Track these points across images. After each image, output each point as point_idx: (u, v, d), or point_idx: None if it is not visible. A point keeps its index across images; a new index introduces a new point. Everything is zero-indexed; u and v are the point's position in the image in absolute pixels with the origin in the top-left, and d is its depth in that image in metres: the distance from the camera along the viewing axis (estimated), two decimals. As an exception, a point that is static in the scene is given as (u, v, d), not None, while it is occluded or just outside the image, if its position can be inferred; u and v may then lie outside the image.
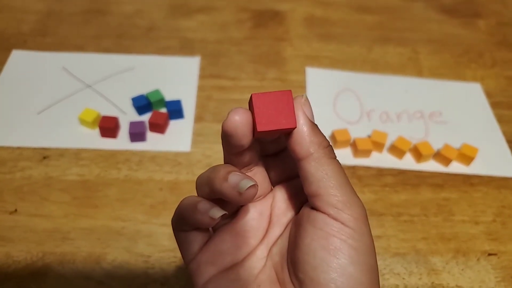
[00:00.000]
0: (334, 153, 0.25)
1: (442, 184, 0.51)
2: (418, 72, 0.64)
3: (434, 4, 0.76)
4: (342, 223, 0.24)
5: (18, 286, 0.40)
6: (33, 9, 0.68)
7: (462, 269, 0.44)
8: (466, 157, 0.51)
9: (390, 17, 0.73)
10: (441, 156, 0.51)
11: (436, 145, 0.53)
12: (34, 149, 0.51)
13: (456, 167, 0.52)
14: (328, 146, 0.25)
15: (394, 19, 0.72)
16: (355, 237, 0.24)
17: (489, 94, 0.61)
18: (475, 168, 0.52)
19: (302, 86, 0.60)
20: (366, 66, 0.64)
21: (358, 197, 0.25)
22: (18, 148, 0.51)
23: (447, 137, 0.55)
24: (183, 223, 0.27)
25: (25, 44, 0.63)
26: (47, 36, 0.64)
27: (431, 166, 0.52)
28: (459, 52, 0.68)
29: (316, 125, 0.25)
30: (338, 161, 0.25)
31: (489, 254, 0.45)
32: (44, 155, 0.50)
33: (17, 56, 0.61)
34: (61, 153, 0.51)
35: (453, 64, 0.65)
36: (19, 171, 0.49)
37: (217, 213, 0.25)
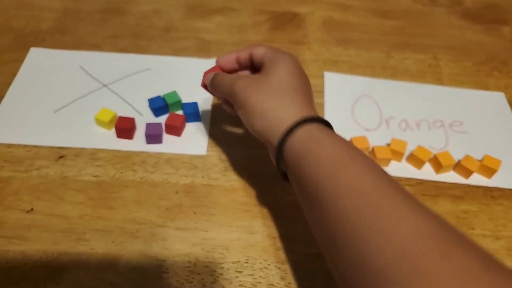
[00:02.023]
0: None
1: (462, 196, 0.50)
2: (439, 79, 0.63)
3: (456, 9, 0.74)
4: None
5: (35, 285, 0.40)
6: (51, 7, 0.68)
7: (481, 284, 0.43)
8: (488, 169, 0.50)
9: (410, 22, 0.72)
10: (461, 167, 0.50)
11: (457, 155, 0.52)
12: (51, 148, 0.51)
13: (477, 179, 0.51)
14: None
15: (414, 24, 0.71)
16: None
17: (512, 104, 0.60)
18: (497, 181, 0.51)
19: (320, 91, 0.59)
20: (385, 72, 0.63)
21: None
22: (35, 146, 0.51)
23: (468, 147, 0.54)
24: None
25: (43, 42, 0.63)
26: (65, 34, 0.64)
27: (451, 177, 0.51)
28: (482, 59, 0.66)
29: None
30: None
31: None
32: (60, 154, 0.50)
33: (35, 54, 0.61)
34: (77, 153, 0.50)
35: (475, 72, 0.64)
36: (36, 169, 0.49)
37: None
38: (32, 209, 0.46)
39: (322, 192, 0.32)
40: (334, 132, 0.37)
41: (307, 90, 0.40)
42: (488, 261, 0.26)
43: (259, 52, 0.43)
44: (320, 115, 0.56)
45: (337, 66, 0.63)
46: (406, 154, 0.52)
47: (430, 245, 0.26)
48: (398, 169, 0.51)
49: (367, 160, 0.33)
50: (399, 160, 0.51)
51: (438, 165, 0.50)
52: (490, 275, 0.24)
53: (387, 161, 0.50)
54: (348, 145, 0.35)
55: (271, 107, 0.38)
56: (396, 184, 0.31)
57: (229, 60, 0.45)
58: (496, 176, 0.51)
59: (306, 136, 0.35)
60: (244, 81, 0.40)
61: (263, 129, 0.38)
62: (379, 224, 0.28)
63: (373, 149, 0.51)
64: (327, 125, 0.37)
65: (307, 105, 0.38)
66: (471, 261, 0.25)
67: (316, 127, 0.36)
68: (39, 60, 0.60)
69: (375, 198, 0.29)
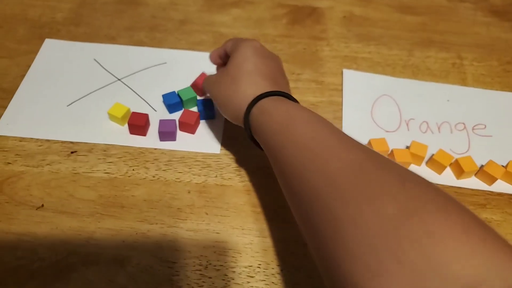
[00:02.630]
0: None
1: (485, 203, 0.48)
2: (462, 80, 0.60)
3: (482, 6, 0.71)
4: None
5: (43, 285, 0.40)
6: (67, -2, 0.67)
7: (502, 298, 0.41)
8: (513, 176, 0.48)
9: (433, 18, 0.69)
10: (484, 174, 0.48)
11: (480, 160, 0.50)
12: (63, 142, 0.50)
13: (501, 186, 0.49)
14: None
15: (438, 21, 0.69)
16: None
17: (538, 107, 0.57)
18: (522, 189, 0.49)
19: (339, 90, 0.58)
20: (407, 71, 0.61)
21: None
22: (47, 141, 0.50)
23: (492, 152, 0.51)
24: None
25: (58, 33, 0.62)
26: (80, 26, 0.63)
27: (473, 183, 0.49)
28: (508, 59, 0.63)
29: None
30: None
31: (533, 283, 0.43)
32: (72, 149, 0.50)
33: (49, 45, 0.60)
34: (89, 148, 0.50)
35: (501, 72, 0.62)
36: (47, 164, 0.48)
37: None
38: (42, 205, 0.45)
39: (274, 152, 0.37)
40: (285, 98, 0.39)
41: (267, 70, 0.42)
42: (404, 176, 0.29)
43: (228, 46, 0.47)
44: (338, 114, 0.55)
45: (356, 63, 0.61)
46: (427, 158, 0.50)
47: (355, 173, 0.29)
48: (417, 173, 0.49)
49: (311, 116, 0.36)
50: (419, 164, 0.50)
51: (459, 170, 0.48)
52: (405, 187, 0.27)
53: (407, 164, 0.49)
54: (293, 107, 0.38)
55: (230, 95, 0.42)
56: (334, 130, 0.35)
57: (214, 57, 0.50)
58: (521, 184, 0.49)
59: (258, 112, 0.39)
60: (209, 78, 0.46)
61: (232, 117, 0.42)
62: (314, 165, 0.32)
63: (392, 151, 0.49)
64: (282, 94, 0.40)
65: (263, 83, 0.41)
66: (387, 177, 0.28)
67: (266, 101, 0.39)
68: (53, 52, 0.59)
69: (313, 145, 0.33)
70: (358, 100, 0.56)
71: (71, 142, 0.50)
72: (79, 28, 0.63)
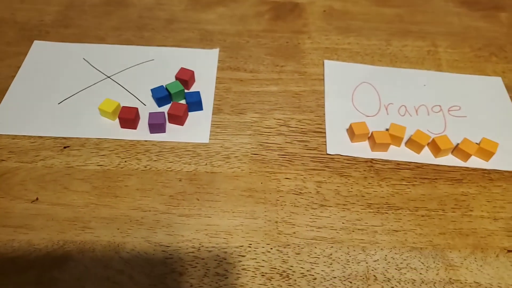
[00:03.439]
0: None
1: (461, 179, 0.50)
2: (438, 65, 0.63)
3: (455, -3, 0.75)
4: None
5: (40, 273, 0.41)
6: (55, 1, 0.69)
7: (481, 266, 0.44)
8: (486, 152, 0.51)
9: (409, 10, 0.72)
10: (460, 151, 0.51)
11: (455, 139, 0.53)
12: (55, 138, 0.52)
13: (475, 162, 0.51)
14: None
15: (414, 12, 0.72)
16: None
17: (510, 88, 0.60)
18: (494, 163, 0.51)
19: (321, 79, 0.60)
20: (385, 59, 0.64)
21: None
22: (40, 137, 0.52)
23: (466, 131, 0.54)
24: None
25: (47, 35, 0.63)
26: (69, 27, 0.65)
27: (450, 160, 0.51)
28: (479, 45, 0.67)
29: None
30: None
31: (509, 251, 0.45)
32: (65, 144, 0.51)
33: (38, 47, 0.62)
34: (82, 143, 0.51)
35: (473, 58, 0.65)
36: (41, 160, 0.50)
37: None
38: (37, 198, 0.47)
39: None
40: None
41: None
42: None
43: None
44: (321, 102, 0.57)
45: (337, 54, 0.64)
46: (405, 138, 0.53)
47: None
48: (397, 153, 0.52)
49: None
50: (399, 145, 0.52)
51: (436, 149, 0.51)
52: None
53: (387, 146, 0.51)
54: None
55: None
56: None
57: None
58: (494, 159, 0.51)
59: None
60: None
61: None
62: None
63: (372, 134, 0.51)
64: None
65: None
66: None
67: None
68: (42, 53, 0.61)
69: None
70: (339, 88, 0.59)
71: (64, 138, 0.52)
72: (68, 29, 0.64)
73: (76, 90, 0.57)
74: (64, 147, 0.51)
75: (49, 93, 0.56)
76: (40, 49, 0.61)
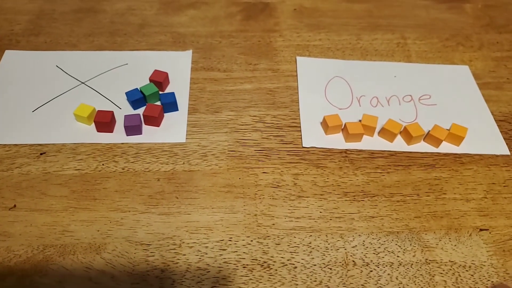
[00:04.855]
0: None
1: (433, 164, 0.52)
2: (407, 57, 0.65)
3: (421, -9, 0.77)
4: None
5: (20, 279, 0.41)
6: (24, 10, 0.69)
7: (455, 245, 0.45)
8: (456, 137, 0.52)
9: (378, 5, 0.74)
10: (431, 137, 0.52)
11: (427, 127, 0.54)
12: (31, 146, 0.51)
13: (447, 147, 0.53)
14: None
15: (382, 7, 0.73)
16: None
17: (477, 76, 0.62)
18: (465, 148, 0.53)
19: (294, 75, 0.61)
20: (356, 53, 0.65)
21: None
22: (15, 145, 0.51)
23: (437, 118, 0.56)
24: None
25: (18, 44, 0.63)
26: (40, 35, 0.65)
27: (422, 147, 0.53)
28: (447, 36, 0.69)
29: None
30: None
31: (481, 230, 0.47)
32: (41, 151, 0.51)
33: (9, 56, 0.61)
34: (58, 149, 0.51)
35: (441, 48, 0.67)
36: (17, 167, 0.49)
37: None
38: (15, 205, 0.46)
39: None
40: None
41: None
42: None
43: None
44: (295, 97, 0.58)
45: (308, 50, 0.65)
46: (378, 128, 0.54)
47: None
48: (371, 143, 0.53)
49: None
50: (372, 135, 0.53)
51: (409, 136, 0.52)
52: None
53: (360, 136, 0.52)
54: None
55: None
56: None
57: None
58: (464, 143, 0.53)
59: None
60: None
61: None
62: None
63: (345, 125, 0.53)
64: None
65: None
66: None
67: None
68: (14, 62, 0.60)
69: None
70: (312, 83, 0.60)
71: (40, 145, 0.52)
72: (39, 37, 0.64)
73: (50, 97, 0.56)
74: (41, 154, 0.51)
75: (22, 101, 0.56)
76: (11, 58, 0.61)
